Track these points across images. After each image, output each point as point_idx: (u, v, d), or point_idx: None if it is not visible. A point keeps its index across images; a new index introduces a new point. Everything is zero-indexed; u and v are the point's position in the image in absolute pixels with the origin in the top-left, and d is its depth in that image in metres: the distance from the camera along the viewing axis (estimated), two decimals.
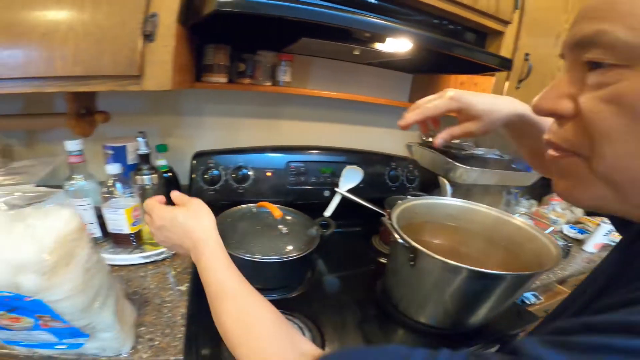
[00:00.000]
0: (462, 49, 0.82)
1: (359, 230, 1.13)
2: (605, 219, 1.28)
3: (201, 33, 0.85)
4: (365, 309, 0.80)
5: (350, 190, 1.04)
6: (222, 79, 0.95)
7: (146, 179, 0.81)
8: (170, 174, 0.92)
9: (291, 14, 0.54)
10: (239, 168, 0.95)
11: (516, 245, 0.87)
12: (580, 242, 1.33)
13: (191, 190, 0.95)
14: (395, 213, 0.82)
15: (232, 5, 0.53)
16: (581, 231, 1.37)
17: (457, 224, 0.98)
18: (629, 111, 0.22)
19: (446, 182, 1.27)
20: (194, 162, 0.96)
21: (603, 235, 1.27)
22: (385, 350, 0.30)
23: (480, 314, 0.74)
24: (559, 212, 1.54)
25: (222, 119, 1.11)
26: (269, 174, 0.98)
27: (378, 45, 0.90)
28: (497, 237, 0.91)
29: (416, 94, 1.36)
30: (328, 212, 1.04)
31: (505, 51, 1.05)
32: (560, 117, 0.28)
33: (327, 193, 1.07)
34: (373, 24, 0.64)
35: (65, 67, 0.61)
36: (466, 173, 1.19)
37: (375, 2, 0.78)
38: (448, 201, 0.99)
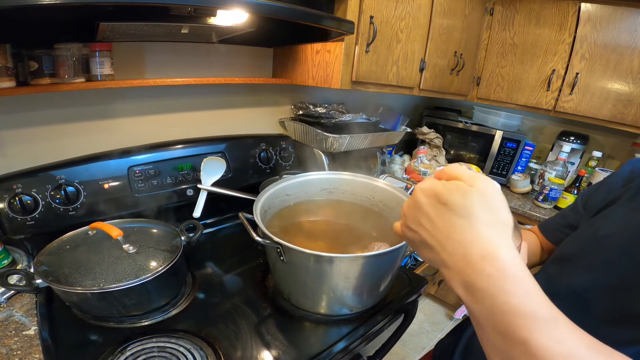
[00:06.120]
0: (298, 12, 0.77)
1: (240, 223, 1.04)
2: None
3: None
4: (259, 310, 0.73)
5: (216, 184, 0.94)
6: (6, 83, 0.71)
7: None
8: None
9: None
10: (60, 187, 0.75)
11: (388, 209, 0.88)
12: None
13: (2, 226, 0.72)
14: (260, 203, 0.76)
15: None
16: None
17: (333, 197, 0.97)
18: None
19: (321, 153, 1.26)
20: None
21: None
22: None
23: (370, 290, 0.71)
24: (426, 163, 1.72)
25: (23, 131, 0.82)
26: (106, 185, 0.80)
27: (212, 20, 0.78)
28: (371, 203, 0.92)
29: (279, 68, 1.28)
30: (197, 213, 0.92)
31: (351, 15, 1.04)
32: None
33: (190, 192, 0.94)
34: None
35: None
36: (337, 141, 1.19)
37: None
38: (320, 175, 0.96)
